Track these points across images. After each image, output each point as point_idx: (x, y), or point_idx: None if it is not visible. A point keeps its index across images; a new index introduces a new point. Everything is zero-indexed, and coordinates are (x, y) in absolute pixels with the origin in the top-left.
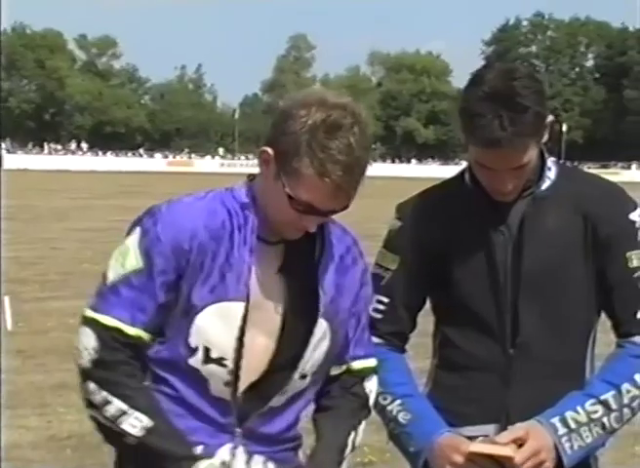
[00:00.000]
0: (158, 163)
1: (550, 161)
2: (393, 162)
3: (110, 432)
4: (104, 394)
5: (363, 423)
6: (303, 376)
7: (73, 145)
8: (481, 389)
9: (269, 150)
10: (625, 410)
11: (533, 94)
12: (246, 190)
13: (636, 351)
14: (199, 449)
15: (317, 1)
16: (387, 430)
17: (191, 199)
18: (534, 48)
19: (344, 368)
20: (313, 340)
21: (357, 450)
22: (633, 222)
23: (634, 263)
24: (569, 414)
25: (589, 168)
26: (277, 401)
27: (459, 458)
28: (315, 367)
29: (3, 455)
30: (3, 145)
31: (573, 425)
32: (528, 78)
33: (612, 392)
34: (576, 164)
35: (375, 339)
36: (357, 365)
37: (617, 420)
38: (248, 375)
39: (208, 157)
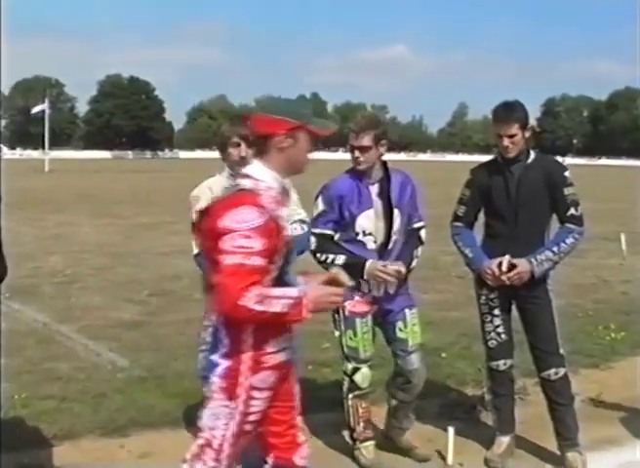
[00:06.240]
0: None
1: (532, 151)
2: None
3: (328, 265)
4: (325, 254)
5: (420, 248)
6: (395, 234)
7: None
8: (501, 245)
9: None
10: (562, 255)
11: (522, 110)
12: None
13: (567, 229)
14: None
15: None
16: (463, 257)
17: (337, 177)
18: None
19: (409, 228)
20: (394, 217)
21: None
22: (565, 176)
23: (565, 192)
24: (538, 257)
25: None
26: (392, 244)
27: (495, 268)
28: (398, 230)
29: None
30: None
31: (540, 260)
32: (522, 106)
33: (556, 247)
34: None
35: (459, 224)
36: (415, 226)
37: (559, 258)
38: (379, 239)
39: None
